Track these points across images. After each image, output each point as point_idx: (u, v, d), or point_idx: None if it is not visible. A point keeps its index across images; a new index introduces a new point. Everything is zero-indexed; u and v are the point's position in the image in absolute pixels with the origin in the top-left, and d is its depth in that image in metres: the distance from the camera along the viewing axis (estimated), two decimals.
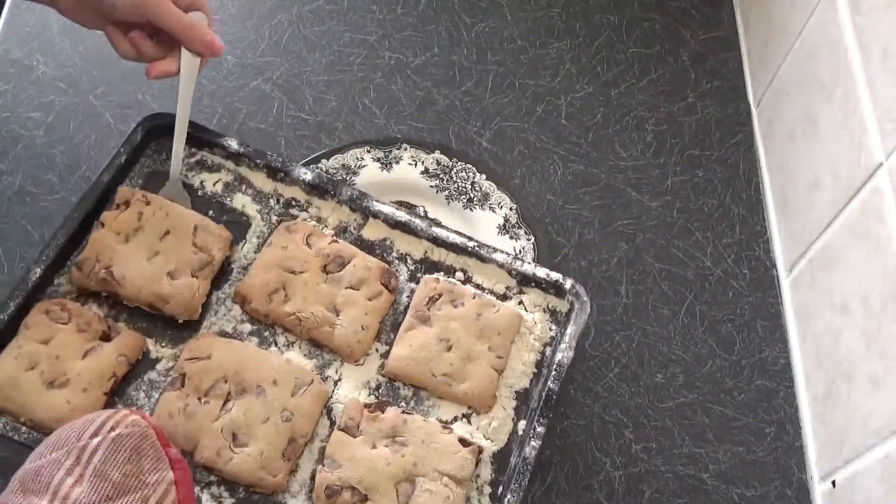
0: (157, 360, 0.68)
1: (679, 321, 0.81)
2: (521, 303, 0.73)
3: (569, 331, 0.70)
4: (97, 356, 0.65)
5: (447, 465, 0.64)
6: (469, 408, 0.69)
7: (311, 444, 0.66)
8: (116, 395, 0.66)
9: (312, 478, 0.65)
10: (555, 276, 0.72)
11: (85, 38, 0.90)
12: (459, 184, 0.84)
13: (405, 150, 0.85)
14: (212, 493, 0.63)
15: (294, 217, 0.75)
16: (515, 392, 0.70)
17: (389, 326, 0.71)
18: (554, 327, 0.72)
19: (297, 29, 0.95)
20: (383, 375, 0.69)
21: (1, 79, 0.88)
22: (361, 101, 0.91)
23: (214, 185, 0.75)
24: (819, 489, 0.73)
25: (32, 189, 0.81)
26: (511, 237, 0.81)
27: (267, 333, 0.70)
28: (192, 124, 0.74)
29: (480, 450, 0.66)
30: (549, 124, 0.92)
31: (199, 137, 0.75)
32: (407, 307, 0.72)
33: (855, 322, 0.70)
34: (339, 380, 0.69)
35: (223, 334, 0.69)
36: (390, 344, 0.70)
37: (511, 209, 0.83)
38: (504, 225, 0.82)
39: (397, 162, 0.85)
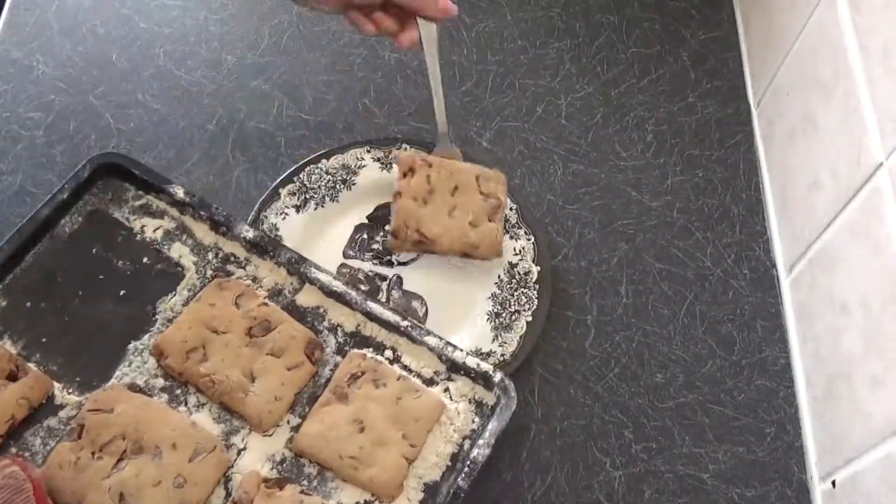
0: (61, 407, 0.65)
1: (679, 321, 0.81)
2: (447, 390, 0.70)
3: (490, 426, 0.66)
4: None
5: None
6: (372, 495, 0.65)
7: None
8: (12, 437, 0.63)
9: None
10: (485, 367, 0.69)
11: (85, 38, 0.90)
12: None
13: (405, 150, 0.85)
14: None
15: (230, 273, 0.73)
16: (424, 484, 0.66)
17: (306, 399, 0.69)
18: (477, 420, 0.68)
19: (297, 29, 0.95)
20: (290, 450, 0.67)
21: (1, 79, 0.88)
22: (361, 101, 0.91)
23: (155, 231, 0.74)
24: (819, 489, 0.73)
25: (32, 189, 0.81)
26: (511, 237, 0.81)
27: (179, 391, 0.68)
28: (140, 167, 0.74)
29: None
30: (549, 124, 0.92)
31: (147, 181, 0.74)
32: (328, 380, 0.69)
33: (855, 322, 0.70)
34: (244, 449, 0.66)
35: (133, 387, 0.67)
36: (304, 417, 0.67)
37: (511, 209, 0.83)
38: (504, 225, 0.82)
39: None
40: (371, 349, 0.71)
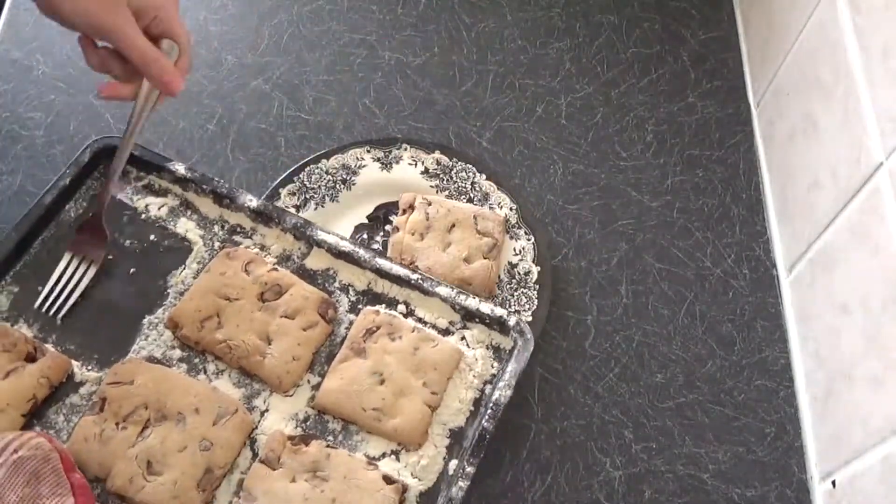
0: (81, 384, 0.67)
1: (679, 321, 0.81)
2: (463, 338, 0.72)
3: (509, 368, 0.68)
4: (18, 377, 0.64)
5: (367, 502, 0.62)
6: (399, 444, 0.67)
7: (231, 475, 0.65)
8: (36, 417, 0.65)
9: None
10: (499, 312, 0.71)
11: None
12: (459, 184, 0.84)
13: (405, 150, 0.85)
14: None
15: (237, 244, 0.74)
16: (450, 430, 0.68)
17: (324, 358, 0.70)
18: (496, 364, 0.71)
19: (297, 29, 0.95)
20: (312, 408, 0.68)
21: (1, 79, 0.88)
22: (361, 101, 0.91)
23: (159, 209, 0.75)
24: (819, 489, 0.73)
25: (32, 189, 0.81)
26: (511, 237, 0.81)
27: (197, 361, 0.69)
28: (139, 147, 0.74)
29: (405, 488, 0.64)
30: (549, 124, 0.92)
31: (147, 161, 0.75)
32: (344, 339, 0.70)
33: (855, 322, 0.70)
34: (267, 410, 0.67)
35: (151, 359, 0.68)
36: (323, 376, 0.69)
37: (511, 209, 0.83)
38: (504, 225, 0.81)
39: (397, 162, 0.85)
40: (384, 305, 0.73)
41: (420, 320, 0.72)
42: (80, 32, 0.64)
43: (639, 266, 0.84)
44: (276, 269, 0.72)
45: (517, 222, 0.82)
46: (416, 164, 0.85)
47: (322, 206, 0.82)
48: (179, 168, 0.75)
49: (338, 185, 0.83)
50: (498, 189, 0.84)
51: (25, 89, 0.87)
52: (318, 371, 0.70)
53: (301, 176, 0.82)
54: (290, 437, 0.65)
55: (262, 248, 0.74)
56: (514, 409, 0.73)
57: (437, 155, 0.85)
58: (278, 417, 0.67)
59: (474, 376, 0.70)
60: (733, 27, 1.02)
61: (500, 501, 0.71)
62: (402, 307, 0.73)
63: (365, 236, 0.81)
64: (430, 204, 0.80)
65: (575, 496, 0.72)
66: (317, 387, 0.69)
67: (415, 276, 0.72)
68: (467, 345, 0.71)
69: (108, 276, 0.71)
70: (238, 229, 0.75)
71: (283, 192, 0.81)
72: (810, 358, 0.78)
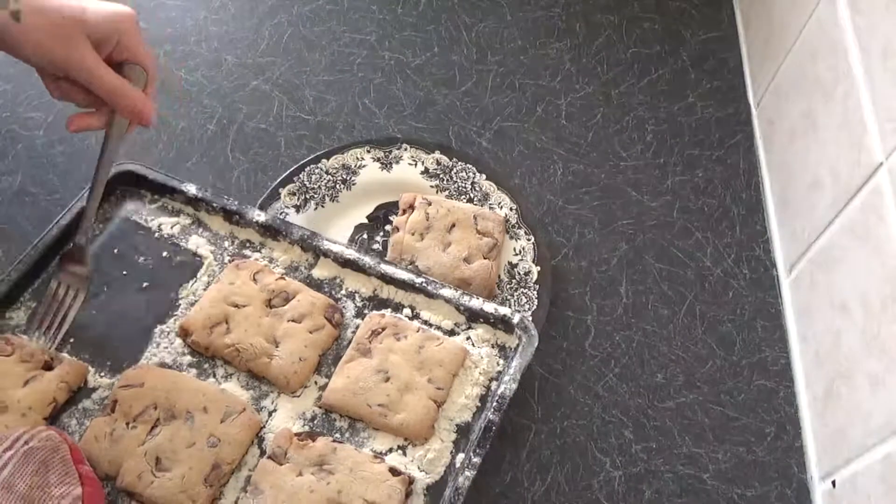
0: (94, 389, 0.68)
1: (679, 321, 0.81)
2: (468, 338, 0.72)
3: (514, 363, 0.70)
4: (38, 383, 0.65)
5: (374, 493, 0.63)
6: (405, 439, 0.67)
7: (239, 472, 0.65)
8: (50, 421, 0.66)
9: None
10: (503, 310, 0.72)
11: None
12: (459, 184, 0.84)
13: (405, 150, 0.85)
14: None
15: (247, 257, 0.75)
16: (456, 425, 0.68)
17: (331, 360, 0.71)
18: (501, 362, 0.71)
19: (297, 29, 0.95)
20: (319, 407, 0.69)
21: (1, 79, 0.88)
22: (361, 101, 0.91)
23: (172, 227, 0.76)
24: (819, 489, 0.73)
25: (32, 189, 0.81)
26: (511, 237, 0.81)
27: (206, 365, 0.70)
28: (153, 172, 0.76)
29: (411, 480, 0.64)
30: (549, 124, 0.92)
31: (161, 184, 0.76)
32: (351, 342, 0.71)
33: (855, 322, 0.70)
34: (275, 411, 0.68)
35: (163, 365, 0.69)
36: (330, 377, 0.69)
37: (511, 209, 0.83)
38: (504, 226, 0.82)
39: (397, 162, 0.85)
40: (390, 310, 0.73)
41: (426, 323, 0.73)
42: (40, 69, 0.61)
43: (639, 266, 0.84)
44: (283, 278, 0.73)
45: (517, 222, 0.82)
46: (416, 164, 0.85)
47: (322, 206, 0.82)
48: (191, 189, 0.76)
49: (338, 185, 0.83)
50: (498, 189, 0.84)
51: (25, 89, 0.87)
52: (325, 373, 0.70)
53: (301, 176, 0.82)
54: (297, 434, 0.66)
55: (271, 260, 0.76)
56: (514, 408, 0.73)
57: (437, 155, 0.85)
58: (286, 417, 0.68)
59: (480, 373, 0.71)
60: (733, 27, 1.02)
61: (500, 501, 0.71)
62: (407, 311, 0.73)
63: (365, 236, 0.81)
64: (430, 204, 0.80)
65: (575, 496, 0.72)
66: (324, 387, 0.69)
67: (419, 280, 0.73)
68: (473, 344, 0.72)
69: (122, 290, 0.73)
70: (247, 244, 0.76)
71: (283, 192, 0.81)
72: (810, 358, 0.78)
